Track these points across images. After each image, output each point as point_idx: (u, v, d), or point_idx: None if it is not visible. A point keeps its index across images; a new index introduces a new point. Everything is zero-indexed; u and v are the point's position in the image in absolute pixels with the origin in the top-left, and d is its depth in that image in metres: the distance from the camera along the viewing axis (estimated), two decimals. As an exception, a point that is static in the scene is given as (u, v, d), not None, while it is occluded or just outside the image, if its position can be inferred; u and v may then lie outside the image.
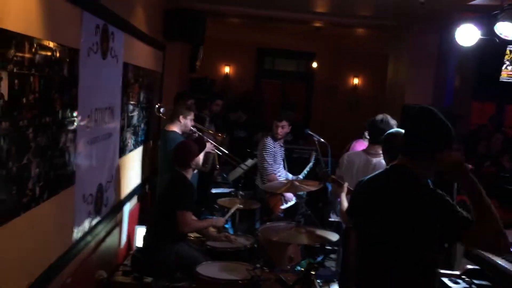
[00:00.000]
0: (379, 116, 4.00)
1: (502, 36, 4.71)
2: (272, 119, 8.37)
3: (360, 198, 2.49)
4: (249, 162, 5.75)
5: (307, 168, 5.87)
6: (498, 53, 7.61)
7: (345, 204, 3.63)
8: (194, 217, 4.31)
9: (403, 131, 3.28)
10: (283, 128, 5.43)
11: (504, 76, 7.84)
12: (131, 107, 4.63)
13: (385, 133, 3.29)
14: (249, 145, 7.54)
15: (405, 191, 2.22)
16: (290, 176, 5.54)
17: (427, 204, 2.14)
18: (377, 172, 2.48)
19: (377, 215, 2.30)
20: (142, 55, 5.04)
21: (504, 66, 7.74)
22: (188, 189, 4.03)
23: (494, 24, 4.68)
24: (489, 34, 5.00)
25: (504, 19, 4.43)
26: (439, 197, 2.15)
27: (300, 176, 5.62)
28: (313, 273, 3.13)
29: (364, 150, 4.09)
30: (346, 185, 3.78)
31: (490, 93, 8.96)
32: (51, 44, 2.64)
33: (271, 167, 5.28)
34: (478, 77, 8.52)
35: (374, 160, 3.87)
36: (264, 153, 5.31)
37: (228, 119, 7.91)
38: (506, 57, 7.65)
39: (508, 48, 7.52)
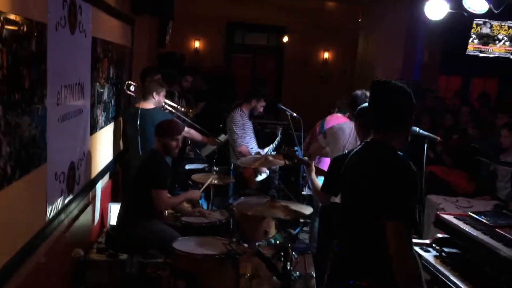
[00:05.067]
0: (359, 91, 4.03)
1: (470, 10, 4.80)
2: (242, 93, 8.39)
3: (342, 175, 2.53)
4: (222, 137, 5.73)
5: (275, 143, 5.88)
6: (464, 28, 7.76)
7: (316, 182, 3.68)
8: (168, 195, 4.31)
9: None
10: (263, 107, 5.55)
11: (470, 49, 8.04)
12: (101, 83, 4.53)
13: (358, 108, 3.33)
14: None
15: (384, 165, 2.22)
16: (265, 150, 5.56)
17: (390, 172, 2.17)
18: (356, 149, 2.52)
19: (355, 188, 2.36)
20: (111, 29, 4.91)
21: (471, 39, 7.93)
22: (164, 167, 4.03)
23: (463, -2, 4.76)
24: (458, 8, 5.08)
25: (472, -7, 4.50)
26: (402, 171, 2.15)
27: (269, 152, 5.62)
28: (289, 245, 3.17)
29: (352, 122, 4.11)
30: (313, 164, 3.82)
31: (456, 67, 9.16)
32: (18, 18, 2.54)
33: (241, 139, 5.33)
34: (444, 52, 8.68)
35: None
36: (234, 126, 5.36)
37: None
38: (473, 30, 7.82)
39: (474, 22, 7.68)
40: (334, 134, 4.10)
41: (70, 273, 3.83)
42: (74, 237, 3.86)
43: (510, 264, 2.58)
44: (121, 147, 5.55)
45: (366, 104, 3.40)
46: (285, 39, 10.90)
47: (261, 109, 5.54)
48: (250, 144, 5.40)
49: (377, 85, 2.36)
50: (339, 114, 5.23)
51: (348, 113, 5.04)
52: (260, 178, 5.39)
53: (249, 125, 5.48)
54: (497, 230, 2.90)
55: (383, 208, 2.13)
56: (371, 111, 2.39)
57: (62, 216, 3.45)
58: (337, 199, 3.45)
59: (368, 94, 4.06)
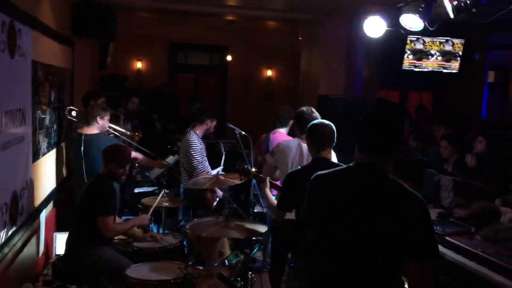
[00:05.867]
0: (305, 108, 4.08)
1: (406, 28, 5.01)
2: (187, 113, 8.33)
3: (318, 195, 2.26)
4: (170, 159, 5.64)
5: (222, 162, 5.82)
6: (400, 44, 8.12)
7: (270, 198, 3.69)
8: (118, 219, 4.18)
9: (327, 122, 3.41)
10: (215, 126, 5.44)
11: (406, 64, 8.40)
12: (42, 107, 4.36)
13: (310, 124, 3.39)
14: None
15: (384, 192, 2.08)
16: (218, 170, 5.49)
17: (407, 205, 2.03)
18: (338, 169, 2.33)
19: (346, 214, 2.11)
20: (51, 52, 4.76)
21: (406, 55, 8.29)
22: (110, 193, 3.90)
23: (399, 16, 4.96)
24: (395, 25, 5.29)
25: (408, 12, 4.71)
26: (421, 203, 2.04)
27: (219, 172, 5.54)
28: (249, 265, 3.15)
29: (298, 138, 4.15)
30: (268, 179, 3.84)
31: (394, 82, 9.54)
32: (-46, 43, 2.41)
33: (201, 164, 5.11)
34: (383, 67, 9.03)
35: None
36: (192, 151, 5.09)
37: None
38: (407, 46, 8.18)
39: (408, 38, 8.05)
40: (281, 152, 4.12)
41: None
42: (19, 270, 3.66)
43: (462, 271, 2.67)
44: (64, 174, 5.35)
45: (318, 120, 3.49)
46: (228, 58, 10.96)
47: (213, 129, 5.43)
48: (207, 168, 5.28)
49: (381, 104, 2.22)
50: (282, 130, 5.28)
51: (289, 127, 5.12)
52: (217, 201, 5.32)
53: (204, 148, 5.34)
54: (447, 238, 3.01)
55: (411, 248, 1.98)
56: (369, 130, 2.16)
57: (6, 249, 3.27)
58: (291, 215, 3.49)
59: (313, 110, 4.13)
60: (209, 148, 6.94)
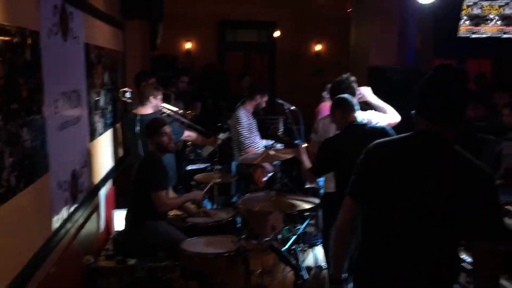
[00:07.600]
0: (337, 80, 4.00)
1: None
2: (236, 90, 8.36)
3: (377, 168, 2.09)
4: (222, 135, 5.70)
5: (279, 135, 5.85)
6: (455, 9, 7.77)
7: (305, 163, 3.69)
8: (172, 194, 4.27)
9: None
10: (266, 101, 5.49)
11: (462, 31, 8.04)
12: (96, 89, 4.50)
13: (338, 97, 3.45)
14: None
15: (451, 165, 1.93)
16: (270, 142, 5.50)
17: (475, 180, 1.89)
18: (397, 138, 2.16)
19: (410, 189, 1.98)
20: (102, 34, 4.88)
21: (462, 21, 7.93)
22: (159, 169, 3.98)
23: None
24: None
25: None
26: (489, 179, 1.91)
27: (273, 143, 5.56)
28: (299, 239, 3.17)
29: None
30: (302, 145, 3.86)
31: (449, 50, 9.14)
32: (11, 27, 2.51)
33: (248, 140, 5.20)
34: (437, 35, 8.67)
35: None
36: (239, 127, 5.20)
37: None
38: (464, 12, 7.82)
39: (465, 3, 7.69)
40: (322, 128, 4.08)
41: (80, 282, 3.80)
42: (82, 245, 3.84)
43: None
44: (122, 153, 5.52)
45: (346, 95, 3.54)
46: (276, 33, 10.85)
47: (264, 104, 5.46)
48: (256, 143, 5.32)
49: (458, 72, 1.99)
50: (328, 102, 5.23)
51: None
52: (267, 177, 5.36)
53: (254, 124, 5.40)
54: (506, 207, 2.89)
55: (480, 227, 1.86)
56: (431, 95, 1.97)
57: (69, 225, 3.43)
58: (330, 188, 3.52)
59: (344, 79, 4.03)
60: (261, 124, 6.97)
